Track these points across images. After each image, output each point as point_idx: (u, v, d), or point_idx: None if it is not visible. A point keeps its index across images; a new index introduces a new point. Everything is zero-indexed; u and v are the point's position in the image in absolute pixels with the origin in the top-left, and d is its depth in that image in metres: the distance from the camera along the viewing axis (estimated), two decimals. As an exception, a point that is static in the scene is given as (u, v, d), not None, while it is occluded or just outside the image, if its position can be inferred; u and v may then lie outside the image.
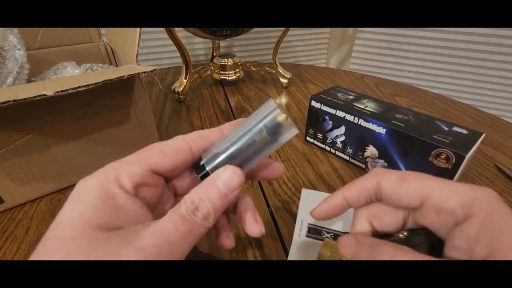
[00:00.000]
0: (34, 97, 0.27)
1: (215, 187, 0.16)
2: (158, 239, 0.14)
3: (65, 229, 0.14)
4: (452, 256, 0.15)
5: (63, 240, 0.14)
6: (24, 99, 0.27)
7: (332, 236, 0.30)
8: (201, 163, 0.18)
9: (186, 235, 0.15)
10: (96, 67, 0.47)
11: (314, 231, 0.30)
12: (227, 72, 0.71)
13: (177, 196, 0.20)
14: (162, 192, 0.18)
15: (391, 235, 0.18)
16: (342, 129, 0.42)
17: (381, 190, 0.18)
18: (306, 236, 0.30)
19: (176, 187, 0.20)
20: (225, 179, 0.16)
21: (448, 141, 0.33)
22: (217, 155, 0.18)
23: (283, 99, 0.66)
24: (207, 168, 0.18)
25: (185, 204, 0.15)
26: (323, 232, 0.30)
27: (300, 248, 0.29)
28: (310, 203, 0.31)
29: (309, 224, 0.31)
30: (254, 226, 0.20)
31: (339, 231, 0.30)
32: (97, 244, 0.13)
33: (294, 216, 0.34)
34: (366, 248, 0.16)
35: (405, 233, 0.17)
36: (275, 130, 0.17)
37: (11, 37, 0.40)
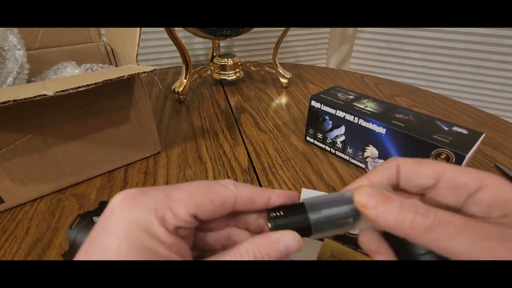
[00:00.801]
0: (34, 97, 0.27)
1: (276, 249, 0.17)
2: None
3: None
4: (476, 213, 0.16)
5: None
6: (24, 99, 0.27)
7: (332, 236, 0.30)
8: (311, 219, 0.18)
9: None
10: (96, 67, 0.47)
11: None
12: (227, 72, 0.71)
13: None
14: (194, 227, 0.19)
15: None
16: (342, 129, 0.42)
17: (400, 171, 0.19)
18: None
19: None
20: (287, 243, 0.17)
21: (448, 141, 0.33)
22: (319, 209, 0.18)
23: (283, 99, 0.66)
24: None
25: (247, 255, 0.16)
26: None
27: None
28: None
29: None
30: None
31: None
32: None
33: (294, 216, 0.34)
34: (408, 206, 0.15)
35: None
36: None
37: (11, 37, 0.40)
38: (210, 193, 0.17)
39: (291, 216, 0.18)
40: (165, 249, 0.15)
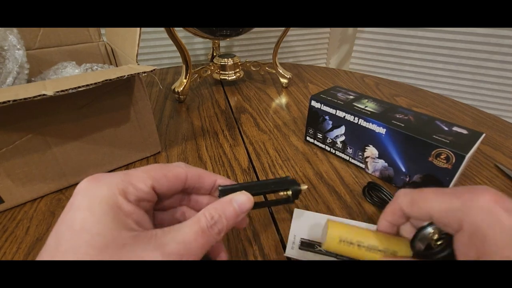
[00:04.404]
0: (34, 97, 0.27)
1: (231, 207, 0.19)
2: (181, 248, 0.16)
3: (86, 233, 0.15)
4: (458, 255, 0.18)
5: (90, 243, 0.15)
6: (24, 99, 0.27)
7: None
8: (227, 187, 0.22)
9: (203, 245, 0.17)
10: (96, 67, 0.47)
11: (307, 245, 0.30)
12: (227, 72, 0.71)
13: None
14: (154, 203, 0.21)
15: (431, 248, 0.21)
16: (342, 129, 0.42)
17: (403, 212, 0.22)
18: (299, 249, 0.30)
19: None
20: (240, 202, 0.20)
21: (448, 141, 0.33)
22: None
23: (283, 99, 0.66)
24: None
25: (205, 219, 0.18)
26: (316, 245, 0.30)
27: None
28: (302, 221, 0.33)
29: (301, 238, 0.30)
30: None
31: None
32: (123, 244, 0.15)
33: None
34: None
35: (439, 243, 0.20)
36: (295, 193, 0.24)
37: (11, 37, 0.40)
38: (165, 170, 0.20)
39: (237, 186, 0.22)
40: (127, 217, 0.16)
